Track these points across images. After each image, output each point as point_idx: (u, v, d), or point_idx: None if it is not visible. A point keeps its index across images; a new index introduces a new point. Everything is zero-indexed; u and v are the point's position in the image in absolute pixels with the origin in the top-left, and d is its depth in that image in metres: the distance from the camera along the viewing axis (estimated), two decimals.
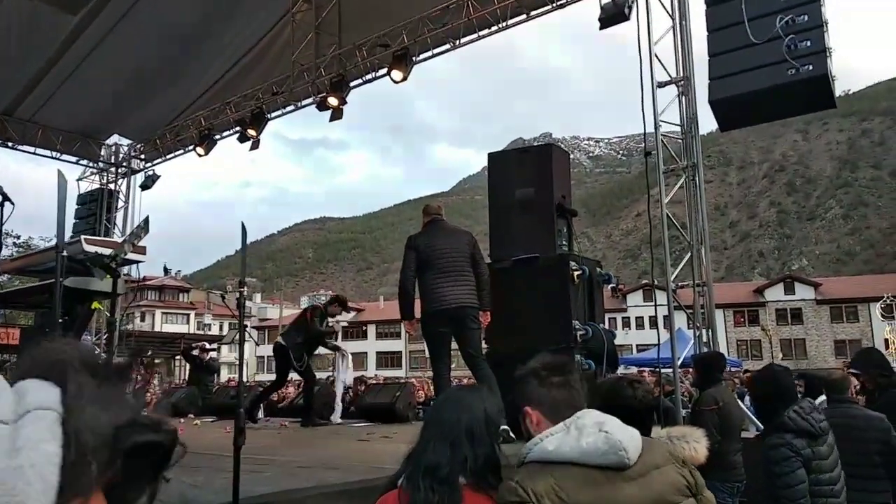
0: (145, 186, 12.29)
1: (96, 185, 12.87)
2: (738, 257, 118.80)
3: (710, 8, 6.09)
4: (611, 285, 6.91)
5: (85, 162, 12.81)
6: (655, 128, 6.44)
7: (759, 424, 6.20)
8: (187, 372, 12.04)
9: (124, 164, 12.97)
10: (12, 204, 3.83)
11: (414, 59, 9.13)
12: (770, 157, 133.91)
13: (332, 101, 9.50)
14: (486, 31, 8.80)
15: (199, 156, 11.58)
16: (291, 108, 10.69)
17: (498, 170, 6.24)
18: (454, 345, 5.22)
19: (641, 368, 19.37)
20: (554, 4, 8.24)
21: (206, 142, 11.38)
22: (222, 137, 11.54)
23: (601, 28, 7.52)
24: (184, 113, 11.75)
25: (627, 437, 1.55)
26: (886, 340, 36.48)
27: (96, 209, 12.44)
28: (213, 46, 10.17)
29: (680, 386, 6.59)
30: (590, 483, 1.50)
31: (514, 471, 1.60)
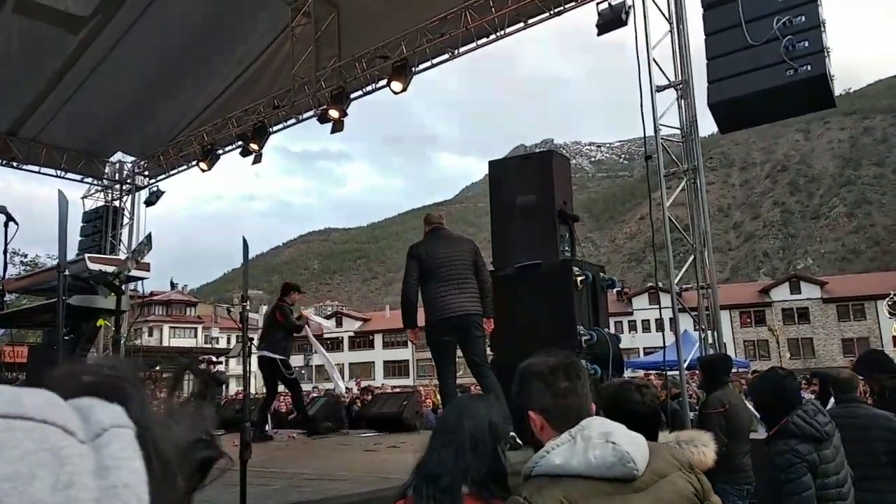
0: (150, 203, 12.34)
1: (101, 203, 12.92)
2: (743, 258, 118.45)
3: (707, 11, 6.11)
4: (616, 289, 6.91)
5: (89, 180, 12.86)
6: (655, 131, 6.45)
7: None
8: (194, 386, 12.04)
9: (128, 181, 13.03)
10: (16, 224, 3.87)
11: (413, 69, 9.17)
12: (772, 158, 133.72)
13: (333, 113, 9.55)
14: (484, 40, 8.83)
15: (203, 171, 11.63)
16: (293, 121, 10.74)
17: (499, 177, 6.26)
18: (458, 353, 5.22)
19: (648, 372, 19.32)
20: (551, 12, 8.28)
21: (209, 157, 11.43)
22: (225, 152, 11.60)
23: (599, 34, 7.56)
24: (186, 129, 11.82)
25: (635, 448, 1.52)
26: (894, 338, 36.24)
27: (102, 226, 12.49)
28: (213, 62, 10.25)
29: (686, 388, 6.56)
30: (598, 496, 1.48)
31: (522, 485, 1.58)
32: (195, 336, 58.98)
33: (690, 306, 6.62)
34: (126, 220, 12.85)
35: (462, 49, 9.03)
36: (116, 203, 12.91)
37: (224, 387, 11.19)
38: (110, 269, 3.40)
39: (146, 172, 13.02)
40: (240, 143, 10.87)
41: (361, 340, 62.36)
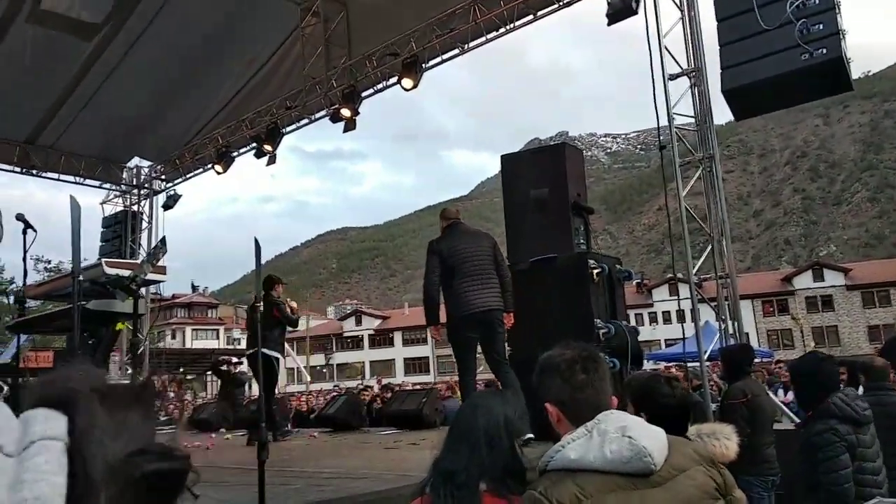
0: (167, 206, 12.46)
1: (120, 208, 13.08)
2: (764, 246, 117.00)
3: None
4: (635, 281, 6.86)
5: (108, 185, 13.03)
6: (669, 121, 6.38)
7: (793, 416, 6.12)
8: (218, 387, 12.17)
9: (146, 185, 13.17)
10: (34, 231, 3.91)
11: (423, 65, 9.15)
12: (791, 144, 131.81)
13: (345, 112, 9.57)
14: (493, 34, 8.79)
15: (218, 173, 11.73)
16: (305, 121, 10.78)
17: (511, 171, 6.23)
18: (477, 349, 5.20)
19: (669, 364, 19.16)
20: (560, 3, 8.21)
21: (224, 159, 11.53)
22: (239, 154, 11.69)
23: (609, 24, 7.48)
24: (201, 132, 11.92)
25: (652, 442, 1.50)
26: None
27: (121, 231, 12.64)
28: (225, 65, 10.31)
29: (707, 379, 6.49)
30: (614, 490, 1.45)
31: (537, 479, 1.56)
32: (217, 337, 59.57)
33: (710, 297, 6.54)
34: (145, 225, 13.00)
35: (472, 44, 9.00)
36: (135, 208, 13.06)
37: (246, 387, 11.27)
38: (127, 273, 3.43)
39: (163, 177, 13.16)
40: (254, 144, 10.94)
41: (381, 338, 62.58)
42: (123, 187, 13.14)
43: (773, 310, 49.61)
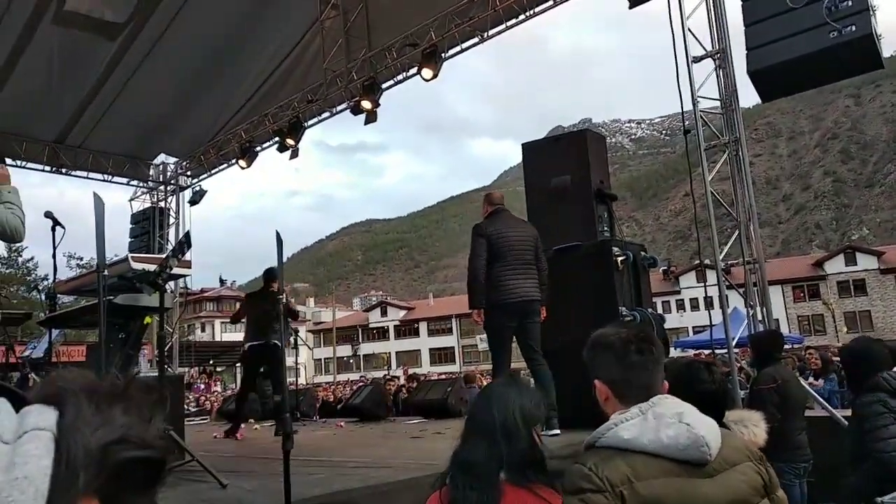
0: (193, 202, 12.62)
1: (148, 204, 13.29)
2: (794, 231, 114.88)
3: None
4: (661, 268, 6.78)
5: (135, 182, 13.25)
6: (694, 104, 6.27)
7: (824, 403, 6.01)
8: None
9: (172, 181, 13.36)
10: (63, 228, 3.99)
11: (443, 55, 9.11)
12: (821, 126, 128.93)
13: (366, 104, 9.58)
14: (513, 21, 8.71)
15: (242, 168, 11.83)
16: (327, 114, 10.81)
17: (533, 160, 6.18)
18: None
19: (698, 351, 18.95)
20: None
21: (248, 154, 11.62)
22: (263, 149, 11.78)
23: (631, 7, 7.37)
24: (224, 128, 12.03)
25: (709, 432, 1.47)
26: None
27: (149, 227, 12.85)
28: (247, 61, 10.38)
29: (735, 366, 6.40)
30: (666, 475, 1.43)
31: (584, 454, 1.52)
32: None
33: (739, 283, 6.44)
34: (172, 220, 13.19)
35: (491, 31, 8.92)
36: (162, 204, 13.26)
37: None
38: (152, 267, 3.48)
39: (188, 172, 13.33)
40: (276, 139, 11.01)
41: (407, 329, 62.91)
42: (150, 184, 13.35)
43: (803, 295, 48.77)
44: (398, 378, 16.22)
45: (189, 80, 10.48)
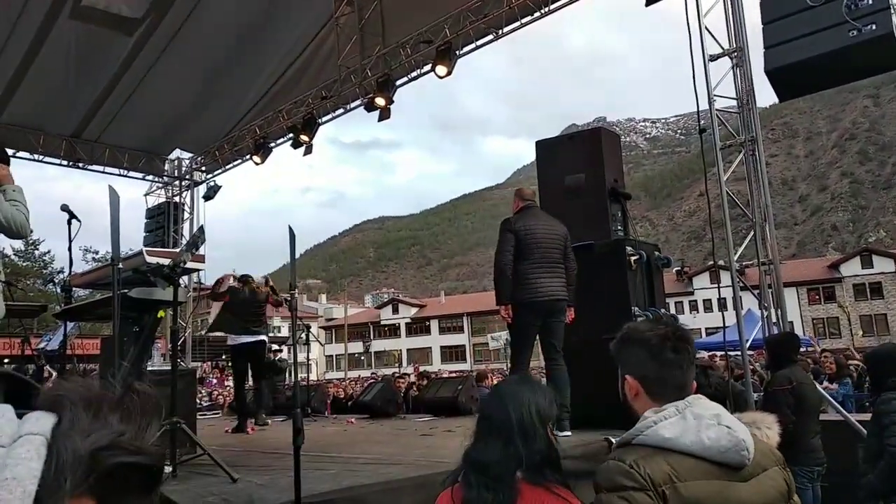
0: (208, 197, 12.68)
1: (163, 199, 13.39)
2: (810, 232, 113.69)
3: None
4: (675, 268, 6.73)
5: (151, 177, 13.36)
6: (710, 103, 6.21)
7: (838, 406, 5.94)
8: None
9: (187, 177, 13.45)
10: (79, 221, 4.03)
11: (457, 52, 9.09)
12: (839, 126, 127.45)
13: (380, 101, 9.58)
14: (528, 18, 8.67)
15: (256, 164, 11.89)
16: (341, 111, 10.83)
17: (547, 158, 6.15)
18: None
19: (713, 353, 18.81)
20: None
21: (262, 150, 11.68)
22: (277, 145, 11.83)
23: (647, 4, 7.32)
24: (239, 124, 12.09)
25: (746, 435, 1.45)
26: None
27: (164, 222, 12.95)
28: (261, 57, 10.42)
29: (749, 369, 6.34)
30: (706, 477, 1.41)
31: (621, 451, 1.49)
32: None
33: (753, 284, 6.38)
34: (186, 215, 13.28)
35: (506, 29, 8.89)
36: (177, 199, 13.35)
37: (286, 373, 11.48)
38: (166, 261, 3.50)
39: (203, 168, 13.41)
40: (291, 135, 11.04)
41: (418, 326, 63.00)
42: (165, 179, 13.45)
43: (819, 298, 48.30)
44: (409, 375, 16.24)
45: (205, 76, 10.53)
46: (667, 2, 7.12)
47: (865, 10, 5.10)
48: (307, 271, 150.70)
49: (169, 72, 10.18)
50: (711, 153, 6.24)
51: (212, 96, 11.12)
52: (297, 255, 3.28)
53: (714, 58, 6.30)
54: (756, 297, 6.38)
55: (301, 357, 11.27)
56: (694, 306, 48.30)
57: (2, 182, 3.03)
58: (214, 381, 24.53)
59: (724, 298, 7.19)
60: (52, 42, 9.18)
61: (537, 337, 4.99)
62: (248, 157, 12.15)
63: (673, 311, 6.25)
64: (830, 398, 6.19)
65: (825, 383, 8.74)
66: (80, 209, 4.48)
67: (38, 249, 34.63)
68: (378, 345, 63.36)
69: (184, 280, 9.77)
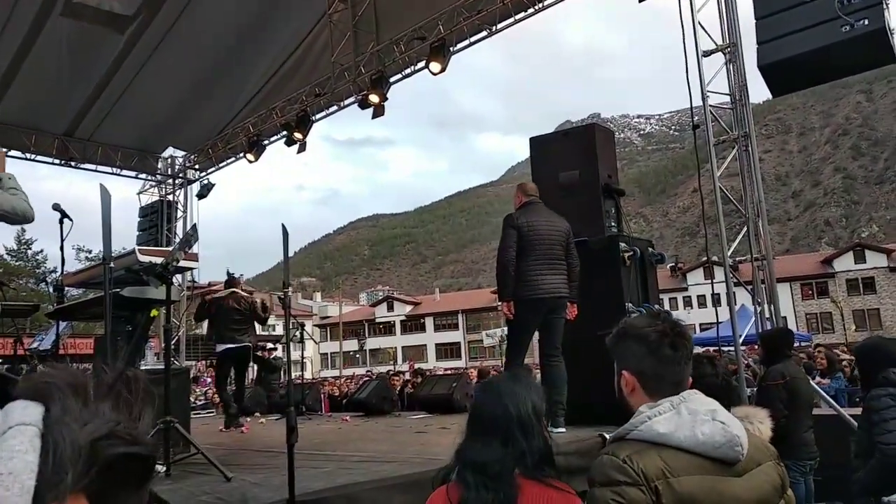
0: (201, 195, 12.64)
1: (156, 198, 13.32)
2: (804, 228, 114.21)
3: None
4: (669, 264, 6.74)
5: (144, 176, 13.28)
6: (703, 99, 6.22)
7: (831, 401, 5.98)
8: (255, 372, 12.38)
9: (180, 175, 13.38)
10: (71, 220, 4.00)
11: (451, 49, 9.07)
12: (832, 122, 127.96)
13: (373, 98, 9.56)
14: (522, 15, 8.66)
15: (250, 162, 11.85)
16: (334, 108, 10.81)
17: (541, 154, 6.14)
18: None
19: (706, 348, 18.85)
20: None
21: (255, 148, 11.64)
22: (270, 142, 11.79)
23: (640, 0, 7.32)
24: (232, 122, 12.05)
25: (740, 431, 1.46)
26: None
27: (157, 220, 12.87)
28: (255, 53, 10.37)
29: (743, 364, 6.36)
30: (699, 472, 1.41)
31: (615, 446, 1.49)
32: None
33: (747, 280, 6.40)
34: (180, 214, 13.22)
35: (500, 25, 8.88)
36: (170, 197, 13.28)
37: (279, 373, 11.47)
38: (159, 260, 3.48)
39: (196, 166, 13.35)
40: (284, 132, 11.01)
41: (413, 324, 62.99)
42: (159, 177, 13.38)
43: (812, 293, 48.50)
44: (404, 373, 16.24)
45: (198, 74, 10.48)
46: None
47: (857, 5, 5.12)
48: (302, 269, 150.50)
49: (162, 69, 10.12)
50: (705, 149, 6.26)
51: (205, 94, 11.06)
52: (292, 253, 3.28)
53: (707, 53, 6.31)
54: (749, 292, 6.41)
55: (296, 355, 11.25)
56: (688, 302, 48.41)
57: None
58: (209, 380, 24.48)
59: (718, 294, 7.23)
60: (43, 40, 9.12)
61: (538, 334, 4.99)
62: (241, 154, 12.11)
63: (667, 307, 6.26)
64: (823, 393, 6.22)
65: (817, 378, 8.79)
66: (71, 208, 4.45)
67: (30, 249, 34.50)
68: (373, 342, 63.32)
69: (177, 279, 9.73)
